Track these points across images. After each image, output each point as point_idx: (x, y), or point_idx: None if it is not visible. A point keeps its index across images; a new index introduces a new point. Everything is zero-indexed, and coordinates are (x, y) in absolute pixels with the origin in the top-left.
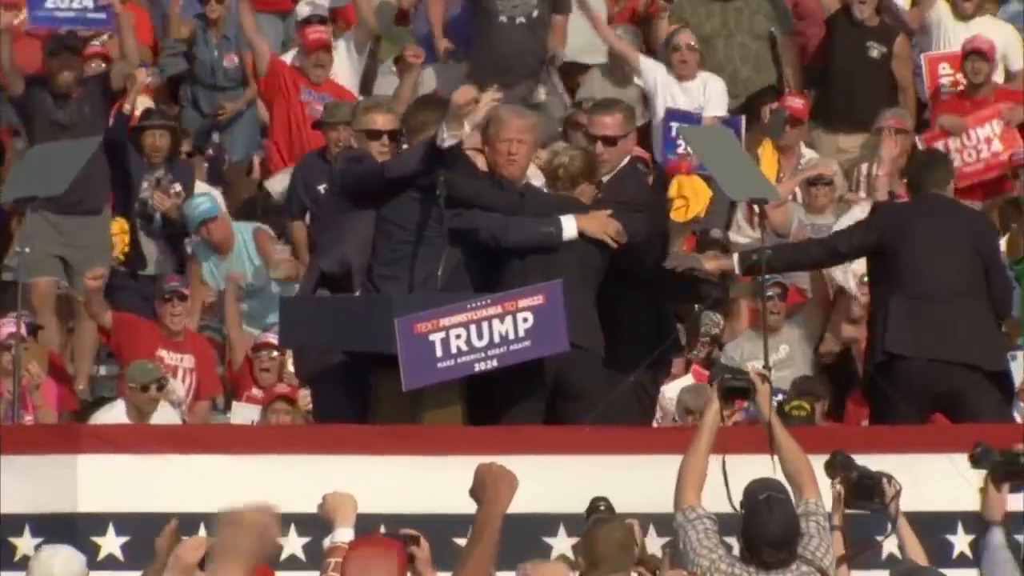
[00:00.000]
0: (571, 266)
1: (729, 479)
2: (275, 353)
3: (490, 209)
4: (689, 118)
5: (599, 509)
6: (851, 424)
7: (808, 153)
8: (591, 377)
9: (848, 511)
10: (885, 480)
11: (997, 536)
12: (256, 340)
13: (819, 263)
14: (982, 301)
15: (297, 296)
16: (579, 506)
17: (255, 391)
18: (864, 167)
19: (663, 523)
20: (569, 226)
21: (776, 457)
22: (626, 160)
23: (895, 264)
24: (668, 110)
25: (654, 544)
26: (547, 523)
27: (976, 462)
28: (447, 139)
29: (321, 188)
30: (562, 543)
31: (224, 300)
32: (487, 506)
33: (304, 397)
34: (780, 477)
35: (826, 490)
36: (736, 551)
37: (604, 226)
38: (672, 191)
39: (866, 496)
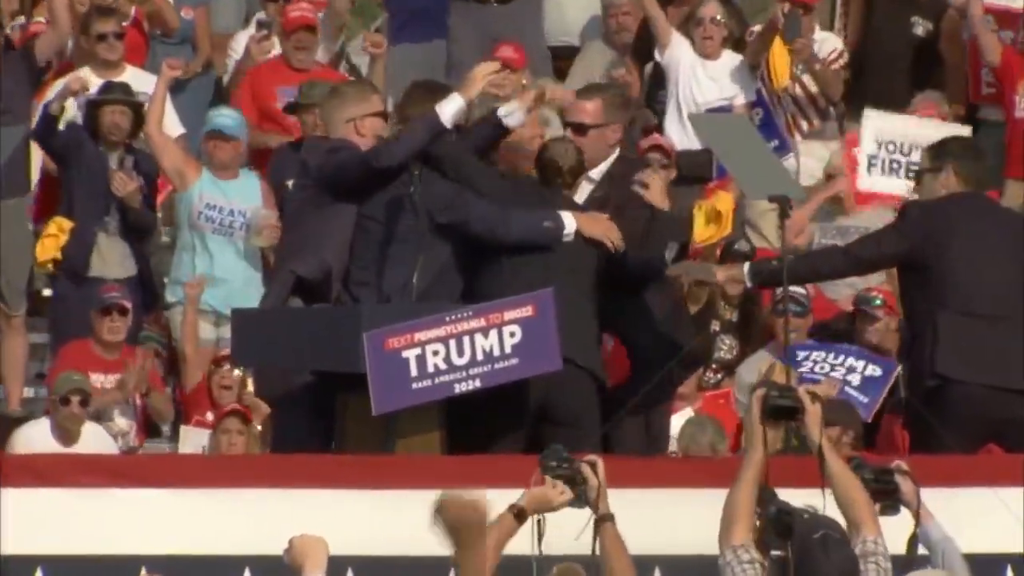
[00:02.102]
0: (564, 270)
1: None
2: (238, 370)
3: (480, 193)
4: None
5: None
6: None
7: (820, 36)
8: (583, 399)
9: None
10: (807, 516)
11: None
12: (217, 353)
13: (842, 273)
14: None
15: (253, 308)
16: (576, 547)
17: (208, 415)
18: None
19: (672, 566)
20: (570, 223)
21: (827, 489)
22: (615, 155)
23: (935, 276)
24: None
25: None
26: (538, 567)
27: None
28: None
29: (289, 183)
30: None
31: (183, 310)
32: (462, 553)
33: (261, 418)
34: (831, 512)
35: None
36: None
37: (606, 229)
38: (708, 206)
39: (784, 534)
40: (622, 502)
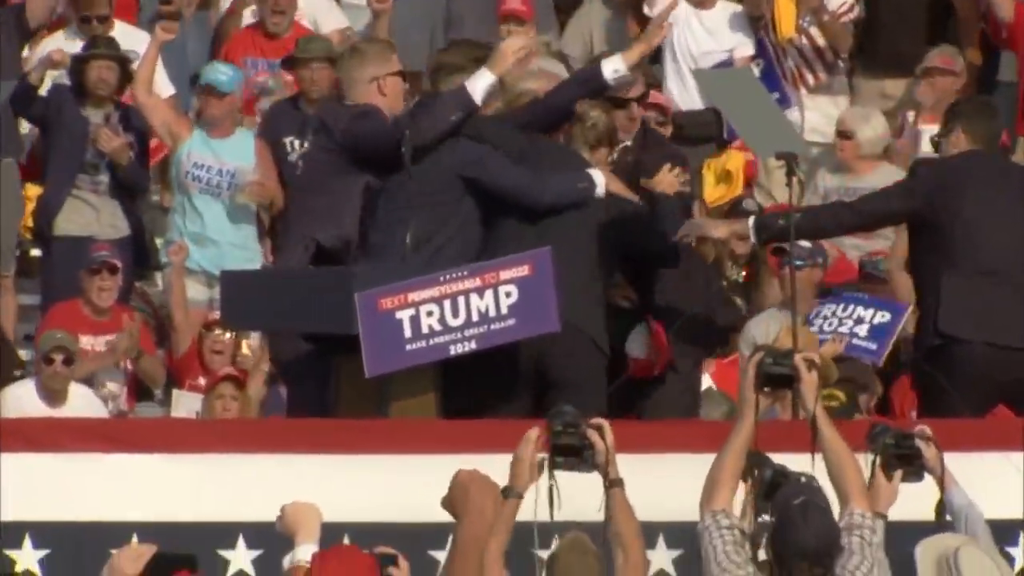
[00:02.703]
0: (568, 230)
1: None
2: (228, 334)
3: (499, 149)
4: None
5: None
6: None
7: None
8: (579, 362)
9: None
10: (803, 481)
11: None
12: (207, 317)
13: (848, 229)
14: None
15: (243, 270)
16: (578, 514)
17: (200, 380)
18: (910, 115)
19: (675, 534)
20: (600, 180)
21: (819, 458)
22: None
23: (944, 235)
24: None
25: (664, 559)
26: (541, 533)
27: (870, 444)
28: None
29: (288, 142)
30: None
31: (168, 276)
32: (470, 521)
33: (256, 384)
34: (821, 479)
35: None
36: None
37: (623, 189)
38: (717, 165)
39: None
40: (624, 468)
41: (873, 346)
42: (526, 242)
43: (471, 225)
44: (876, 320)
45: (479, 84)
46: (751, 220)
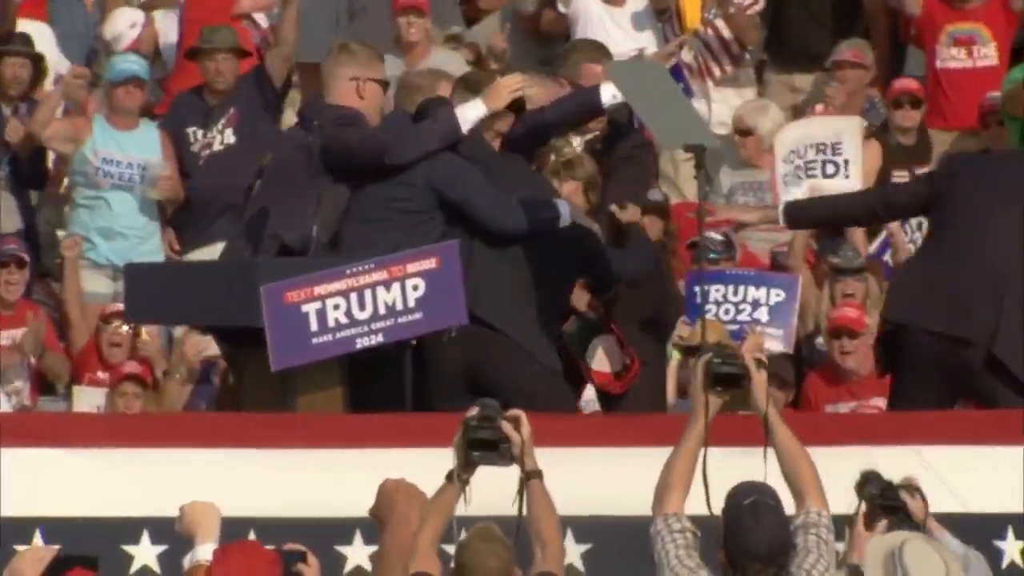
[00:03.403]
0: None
1: (712, 479)
2: (126, 326)
3: (472, 163)
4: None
5: None
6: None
7: None
8: (513, 371)
9: None
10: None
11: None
12: (105, 309)
13: (871, 216)
14: None
15: (146, 263)
16: (494, 507)
17: (100, 373)
18: (818, 108)
19: (584, 528)
20: (566, 212)
21: (773, 457)
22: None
23: (936, 223)
24: None
25: (573, 553)
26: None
27: (857, 492)
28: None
29: (191, 132)
30: None
31: (64, 268)
32: (395, 529)
33: (173, 387)
34: (773, 477)
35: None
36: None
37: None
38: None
39: None
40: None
41: (779, 331)
42: (465, 248)
43: (429, 237)
44: (772, 300)
45: (470, 114)
46: (781, 205)
